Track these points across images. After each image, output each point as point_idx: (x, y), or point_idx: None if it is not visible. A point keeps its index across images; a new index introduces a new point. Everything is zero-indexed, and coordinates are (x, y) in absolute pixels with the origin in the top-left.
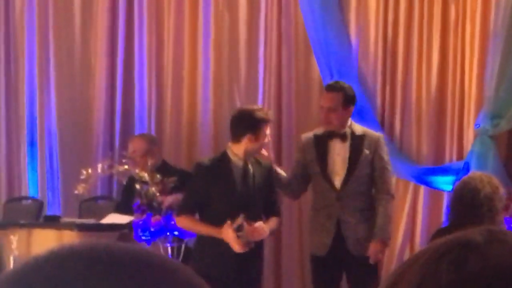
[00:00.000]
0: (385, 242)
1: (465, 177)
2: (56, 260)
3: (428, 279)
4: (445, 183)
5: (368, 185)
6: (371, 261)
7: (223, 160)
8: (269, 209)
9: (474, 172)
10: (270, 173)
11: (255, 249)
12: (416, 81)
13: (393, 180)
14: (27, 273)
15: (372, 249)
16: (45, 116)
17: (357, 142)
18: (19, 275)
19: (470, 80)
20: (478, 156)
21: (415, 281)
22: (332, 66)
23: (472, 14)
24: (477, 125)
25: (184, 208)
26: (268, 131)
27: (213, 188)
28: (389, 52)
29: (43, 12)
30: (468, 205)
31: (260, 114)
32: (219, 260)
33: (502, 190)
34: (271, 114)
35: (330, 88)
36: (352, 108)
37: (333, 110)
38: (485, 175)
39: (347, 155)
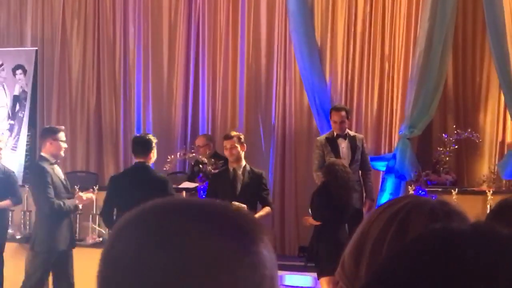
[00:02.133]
0: (374, 200)
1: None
2: (160, 207)
3: (382, 232)
4: (381, 166)
5: (359, 166)
6: (366, 213)
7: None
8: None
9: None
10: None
11: None
12: (365, 104)
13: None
14: (143, 214)
15: (367, 205)
16: (146, 122)
17: (352, 140)
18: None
19: (397, 105)
20: (401, 151)
21: (376, 234)
22: (315, 96)
23: (398, 71)
24: (401, 132)
25: None
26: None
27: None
28: (349, 88)
29: (146, 54)
30: None
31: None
32: None
33: None
34: (231, 133)
35: (339, 108)
36: (349, 120)
37: (344, 121)
38: None
39: (349, 148)
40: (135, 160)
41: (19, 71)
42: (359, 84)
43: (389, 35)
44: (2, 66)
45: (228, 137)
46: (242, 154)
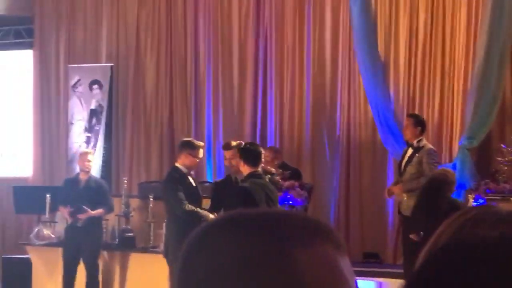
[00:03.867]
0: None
1: None
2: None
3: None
4: None
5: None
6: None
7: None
8: None
9: None
10: None
11: None
12: (426, 116)
13: None
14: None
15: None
16: (217, 134)
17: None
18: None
19: (457, 116)
20: (460, 161)
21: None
22: (378, 109)
23: (457, 83)
24: (460, 142)
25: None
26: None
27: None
28: (410, 100)
29: (215, 69)
30: None
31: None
32: None
33: None
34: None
35: (408, 116)
36: (420, 129)
37: (405, 127)
38: None
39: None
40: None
41: (95, 86)
42: (420, 96)
43: (449, 49)
44: (80, 82)
45: (227, 147)
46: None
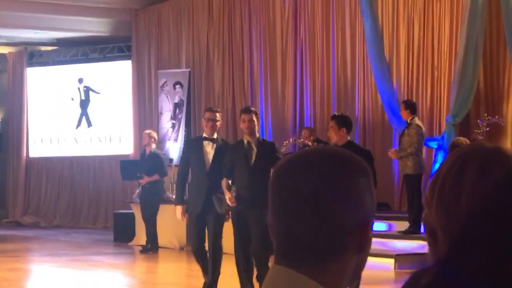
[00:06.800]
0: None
1: None
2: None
3: (448, 169)
4: (433, 144)
5: None
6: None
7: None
8: None
9: None
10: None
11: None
12: (421, 101)
13: None
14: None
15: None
16: (268, 120)
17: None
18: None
19: (444, 100)
20: (447, 133)
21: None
22: (386, 97)
23: (444, 76)
24: (447, 120)
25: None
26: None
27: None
28: (409, 90)
29: (265, 71)
30: None
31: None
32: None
33: None
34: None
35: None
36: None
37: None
38: None
39: None
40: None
41: (178, 86)
42: (417, 86)
43: (437, 51)
44: (166, 83)
45: (247, 111)
46: (257, 128)
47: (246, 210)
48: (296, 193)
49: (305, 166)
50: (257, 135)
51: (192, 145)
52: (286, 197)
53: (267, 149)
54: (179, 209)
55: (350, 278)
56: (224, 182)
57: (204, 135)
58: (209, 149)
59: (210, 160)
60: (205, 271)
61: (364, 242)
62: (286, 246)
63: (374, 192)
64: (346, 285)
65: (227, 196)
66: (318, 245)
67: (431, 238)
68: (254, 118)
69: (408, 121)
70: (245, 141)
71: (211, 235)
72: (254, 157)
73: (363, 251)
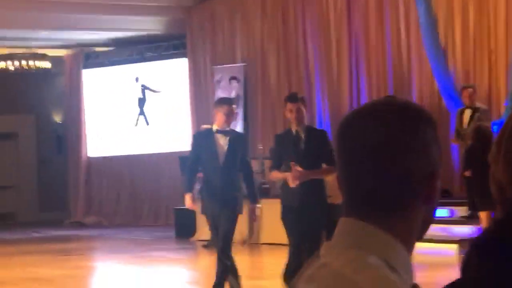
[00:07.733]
0: None
1: None
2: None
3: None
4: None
5: None
6: None
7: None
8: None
9: None
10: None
11: (313, 186)
12: (478, 86)
13: None
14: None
15: None
16: (325, 109)
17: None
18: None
19: (501, 85)
20: (506, 116)
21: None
22: (442, 82)
23: (501, 61)
24: (505, 104)
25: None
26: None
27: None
28: (465, 75)
29: (321, 62)
30: None
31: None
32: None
33: None
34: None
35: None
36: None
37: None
38: None
39: None
40: None
41: (234, 81)
42: (474, 72)
43: (493, 34)
44: (221, 77)
45: (293, 99)
46: (305, 116)
47: (300, 201)
48: (364, 143)
49: (371, 117)
50: (305, 123)
51: (203, 138)
52: (354, 149)
53: (317, 136)
54: (188, 197)
55: (420, 231)
56: (275, 173)
57: (217, 127)
58: (223, 142)
59: (224, 154)
60: (226, 273)
61: (432, 191)
62: (355, 198)
63: (440, 143)
64: (416, 237)
65: (288, 176)
66: (387, 195)
67: (499, 194)
68: (302, 107)
69: (475, 105)
70: (293, 130)
71: (220, 240)
72: (303, 145)
73: (431, 201)
